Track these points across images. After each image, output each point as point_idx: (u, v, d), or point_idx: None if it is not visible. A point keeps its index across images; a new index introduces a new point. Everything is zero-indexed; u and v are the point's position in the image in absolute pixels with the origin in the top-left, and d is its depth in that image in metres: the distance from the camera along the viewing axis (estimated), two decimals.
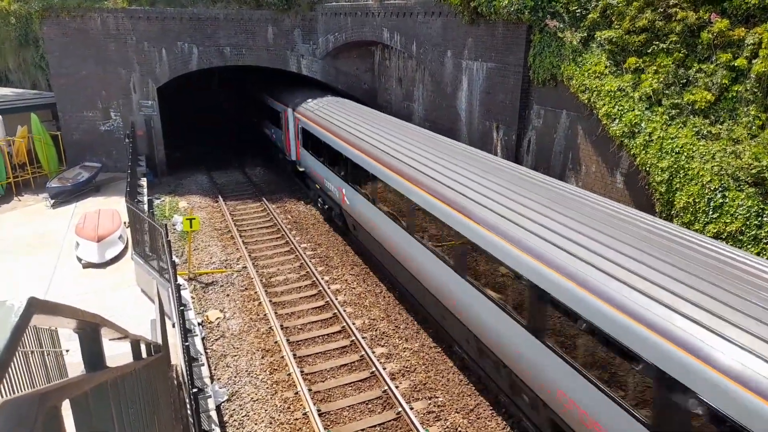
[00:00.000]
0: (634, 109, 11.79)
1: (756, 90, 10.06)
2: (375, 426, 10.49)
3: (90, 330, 2.90)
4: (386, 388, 11.43)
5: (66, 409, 2.15)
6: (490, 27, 15.92)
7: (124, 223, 18.06)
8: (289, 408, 10.97)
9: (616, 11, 12.83)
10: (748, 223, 9.49)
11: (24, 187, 23.65)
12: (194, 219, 16.34)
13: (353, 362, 12.48)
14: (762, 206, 9.42)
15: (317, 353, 12.82)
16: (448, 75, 18.43)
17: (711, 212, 10.04)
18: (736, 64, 10.48)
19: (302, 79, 27.81)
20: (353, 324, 13.83)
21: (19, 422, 1.45)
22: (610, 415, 6.99)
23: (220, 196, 24.18)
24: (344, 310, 14.50)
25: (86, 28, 23.86)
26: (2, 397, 1.79)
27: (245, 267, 17.21)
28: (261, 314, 14.45)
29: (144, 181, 22.76)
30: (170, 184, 26.15)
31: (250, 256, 18.00)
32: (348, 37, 23.70)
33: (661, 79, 11.54)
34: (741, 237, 9.55)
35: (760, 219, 9.38)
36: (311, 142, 20.59)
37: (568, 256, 7.76)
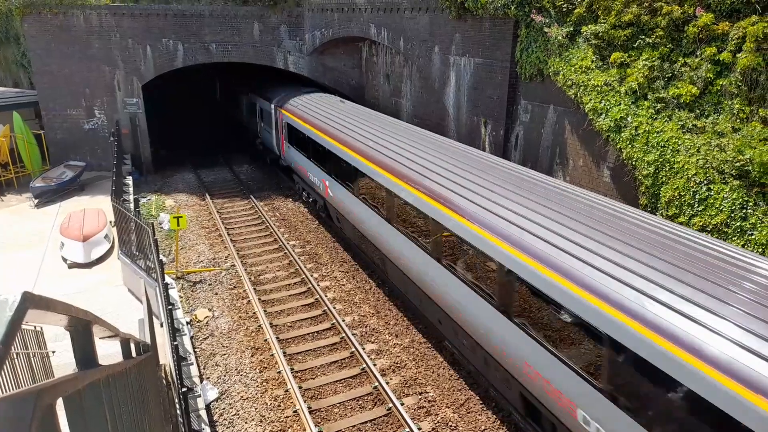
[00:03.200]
0: (620, 104, 11.88)
1: (740, 83, 10.18)
2: (366, 422, 10.49)
3: (82, 327, 2.86)
4: (377, 384, 11.43)
5: (59, 409, 2.11)
6: (477, 22, 15.94)
7: (110, 222, 17.87)
8: (279, 406, 10.93)
9: (602, 6, 12.90)
10: (732, 215, 9.61)
11: (7, 186, 23.29)
12: (181, 217, 16.20)
13: (343, 359, 12.46)
14: (746, 198, 9.54)
15: (307, 350, 12.78)
16: (436, 71, 18.43)
17: (696, 205, 10.15)
18: (720, 58, 10.59)
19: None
20: (343, 321, 13.81)
21: (16, 421, 1.43)
22: None
23: (207, 194, 23.99)
24: (334, 307, 14.47)
25: (69, 25, 23.52)
26: None
27: (233, 265, 17.11)
28: (250, 312, 14.37)
29: (130, 180, 22.52)
30: (156, 182, 25.90)
31: (238, 254, 17.90)
32: (335, 33, 23.60)
33: (647, 74, 11.63)
34: (726, 229, 9.67)
35: (744, 211, 9.51)
36: None
37: None
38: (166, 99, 31.96)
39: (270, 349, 12.77)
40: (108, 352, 6.14)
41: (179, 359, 10.21)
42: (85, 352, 2.81)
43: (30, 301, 1.65)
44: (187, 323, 13.48)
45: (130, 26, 24.11)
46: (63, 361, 10.07)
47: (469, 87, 16.90)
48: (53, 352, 10.34)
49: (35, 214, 20.50)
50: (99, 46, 24.01)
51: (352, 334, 13.21)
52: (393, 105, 22.88)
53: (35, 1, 22.99)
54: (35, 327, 9.11)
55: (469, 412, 10.75)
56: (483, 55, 16.04)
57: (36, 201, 21.33)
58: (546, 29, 13.75)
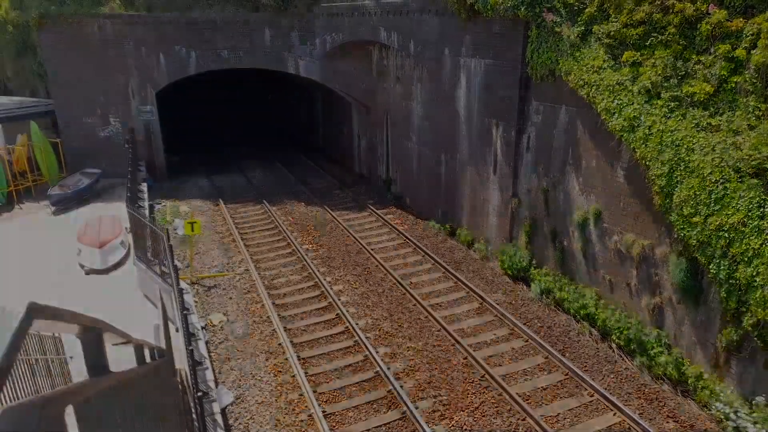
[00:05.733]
0: (633, 103, 11.75)
1: (755, 80, 10.03)
2: (380, 426, 10.47)
3: (92, 335, 2.88)
4: (391, 387, 11.41)
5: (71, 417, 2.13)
6: (487, 24, 15.88)
7: (126, 228, 18.06)
8: (294, 410, 10.96)
9: (613, 4, 12.78)
10: (750, 214, 9.45)
11: (25, 195, 23.65)
12: (195, 223, 16.34)
13: (357, 362, 12.46)
14: (764, 197, 9.38)
15: (321, 354, 12.81)
16: (446, 73, 18.39)
17: (713, 204, 10.00)
18: (735, 55, 10.44)
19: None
20: (356, 324, 13.81)
21: (21, 429, 1.44)
22: None
23: (220, 200, 24.17)
24: (347, 311, 14.48)
25: (84, 35, 23.86)
26: (1, 405, 1.77)
27: (247, 270, 17.20)
28: (264, 316, 14.44)
29: (144, 187, 22.75)
30: (171, 188, 26.14)
31: (252, 258, 17.99)
32: (345, 37, 23.66)
33: (660, 72, 11.49)
34: (743, 229, 9.51)
35: (762, 210, 9.35)
36: None
37: None
38: (180, 104, 32.29)
39: (284, 352, 12.81)
40: (123, 358, 6.20)
41: (194, 364, 10.27)
42: (95, 359, 2.84)
43: (36, 312, 1.66)
44: (202, 328, 13.58)
45: (143, 34, 24.40)
46: (82, 367, 10.18)
47: (480, 88, 16.84)
48: (71, 357, 10.46)
49: (52, 222, 20.80)
50: (113, 54, 24.33)
51: (366, 338, 13.21)
52: (404, 108, 22.88)
53: (51, 12, 23.37)
54: (53, 333, 9.23)
55: (484, 416, 10.69)
56: (493, 57, 15.98)
57: (53, 208, 21.63)
58: (557, 29, 13.66)
